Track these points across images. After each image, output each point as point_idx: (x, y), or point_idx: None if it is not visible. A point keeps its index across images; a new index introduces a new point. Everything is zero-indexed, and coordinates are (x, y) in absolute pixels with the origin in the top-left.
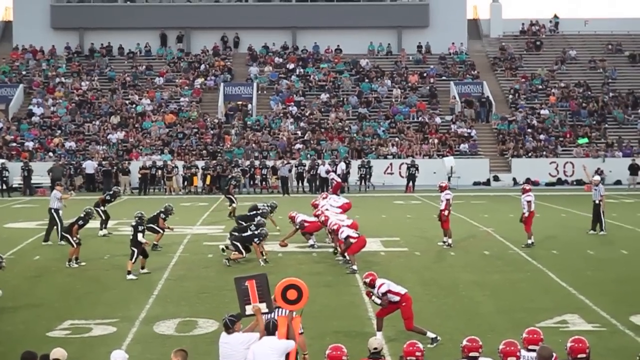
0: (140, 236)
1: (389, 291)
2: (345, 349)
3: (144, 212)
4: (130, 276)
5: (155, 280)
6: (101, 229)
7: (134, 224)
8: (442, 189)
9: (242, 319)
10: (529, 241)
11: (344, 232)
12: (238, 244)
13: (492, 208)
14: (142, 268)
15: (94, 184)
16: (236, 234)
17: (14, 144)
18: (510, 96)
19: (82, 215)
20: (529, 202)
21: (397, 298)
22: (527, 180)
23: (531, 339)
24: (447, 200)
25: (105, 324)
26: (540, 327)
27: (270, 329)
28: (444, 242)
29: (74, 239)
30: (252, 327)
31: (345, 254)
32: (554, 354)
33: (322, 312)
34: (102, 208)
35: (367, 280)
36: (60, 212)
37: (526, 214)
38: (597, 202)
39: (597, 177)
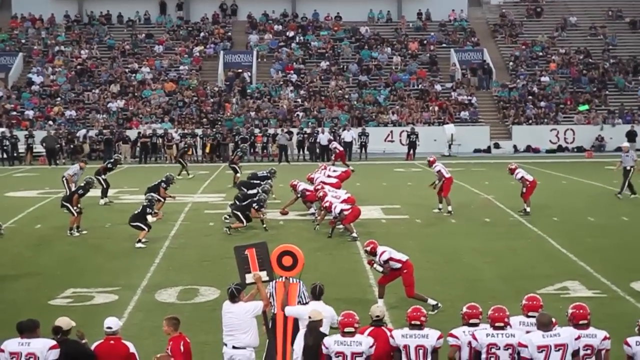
0: (149, 217)
1: (391, 259)
2: (357, 316)
3: (146, 181)
4: (140, 244)
5: (157, 249)
6: (102, 198)
7: (145, 203)
8: (430, 163)
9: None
10: (527, 209)
11: (337, 208)
12: (238, 213)
13: (492, 175)
14: (138, 241)
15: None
16: (237, 202)
17: (14, 113)
18: (511, 63)
19: (82, 184)
20: (521, 178)
21: (398, 265)
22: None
23: (531, 305)
24: (439, 171)
25: (107, 292)
26: (540, 293)
27: (316, 294)
28: (440, 209)
29: (75, 208)
30: (253, 295)
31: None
32: (554, 320)
33: (323, 279)
34: (103, 176)
35: (368, 248)
36: (72, 185)
37: (524, 190)
38: (628, 168)
39: (627, 144)
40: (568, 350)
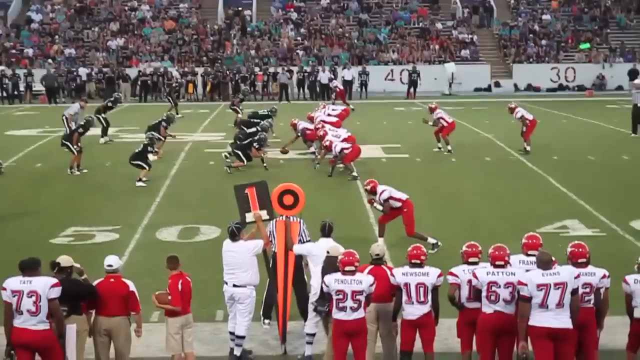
0: (150, 156)
1: (391, 197)
2: (357, 255)
3: (146, 119)
4: (140, 183)
5: (158, 188)
6: (102, 137)
7: (146, 142)
8: (431, 110)
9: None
10: (527, 147)
11: (337, 146)
12: (239, 151)
13: (493, 114)
14: (139, 180)
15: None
16: (238, 142)
17: (14, 51)
18: (512, 1)
19: (82, 123)
20: (521, 117)
21: (398, 204)
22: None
23: (530, 244)
24: (441, 117)
25: (108, 231)
26: (540, 232)
27: (326, 231)
28: (439, 148)
29: (75, 147)
30: (253, 235)
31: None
32: (553, 259)
33: (324, 218)
34: (103, 115)
35: (369, 187)
36: (72, 123)
37: (524, 129)
38: (638, 105)
39: (638, 80)
40: (567, 288)
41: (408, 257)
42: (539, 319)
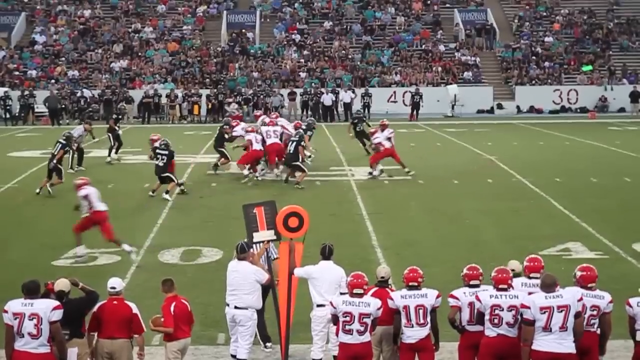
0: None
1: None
2: (366, 277)
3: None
4: (166, 195)
5: (160, 209)
6: (109, 155)
7: (166, 151)
8: (382, 127)
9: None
10: (373, 172)
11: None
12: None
13: (495, 136)
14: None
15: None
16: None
17: (17, 73)
18: (516, 22)
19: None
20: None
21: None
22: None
23: (532, 266)
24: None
25: (110, 253)
26: (543, 254)
27: (326, 254)
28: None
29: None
30: (259, 256)
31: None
32: (557, 282)
33: (326, 240)
34: (115, 132)
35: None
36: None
37: (373, 152)
38: None
39: None
40: (570, 311)
41: (405, 280)
42: (542, 343)
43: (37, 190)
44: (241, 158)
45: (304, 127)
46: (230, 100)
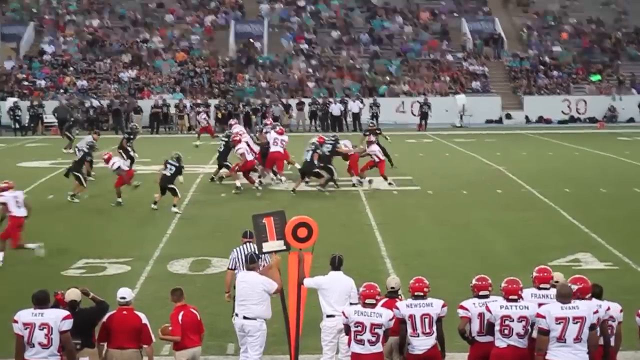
0: (180, 177)
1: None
2: (379, 288)
3: (157, 151)
4: (175, 209)
5: (169, 220)
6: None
7: (176, 164)
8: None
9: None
10: (361, 180)
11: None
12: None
13: (504, 146)
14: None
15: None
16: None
17: (26, 83)
18: (525, 31)
19: (86, 150)
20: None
21: None
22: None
23: (542, 277)
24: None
25: (120, 263)
26: (552, 265)
27: (336, 264)
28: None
29: (86, 176)
30: (266, 271)
31: None
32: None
33: (335, 251)
34: (129, 152)
35: None
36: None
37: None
38: None
39: None
40: (586, 323)
41: (411, 290)
42: (556, 353)
43: (70, 194)
44: (235, 167)
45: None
46: (200, 110)
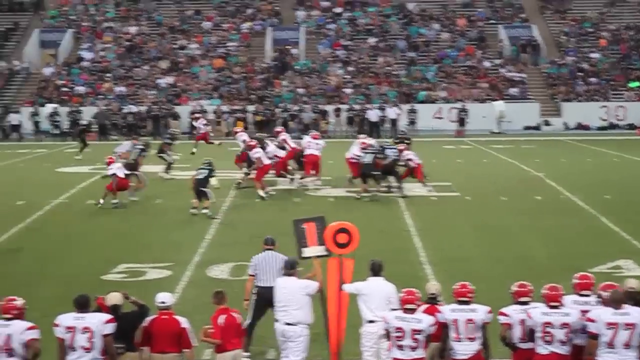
0: (213, 180)
1: None
2: (419, 293)
3: (196, 157)
4: (206, 211)
5: (208, 225)
6: (166, 172)
7: (208, 168)
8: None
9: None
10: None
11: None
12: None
13: (543, 153)
14: (206, 208)
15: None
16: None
17: (65, 89)
18: (563, 38)
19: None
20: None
21: None
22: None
23: (583, 284)
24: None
25: (160, 268)
26: (593, 272)
27: (375, 270)
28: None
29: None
30: (310, 277)
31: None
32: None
33: (374, 256)
34: (168, 153)
35: None
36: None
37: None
38: None
39: None
40: (636, 330)
41: (455, 295)
42: (606, 358)
43: (133, 198)
44: (256, 176)
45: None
46: (199, 115)
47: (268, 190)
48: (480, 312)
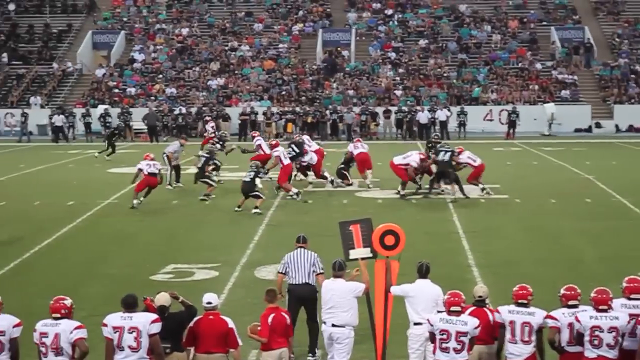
0: (258, 181)
1: None
2: (464, 296)
3: (245, 158)
4: (256, 210)
5: (256, 226)
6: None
7: (254, 170)
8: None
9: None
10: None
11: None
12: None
13: (593, 155)
14: (256, 207)
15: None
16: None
17: (117, 90)
18: (616, 40)
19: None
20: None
21: None
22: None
23: (633, 287)
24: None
25: (208, 269)
26: None
27: (423, 272)
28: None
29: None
30: (353, 277)
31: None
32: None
33: (422, 258)
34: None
35: None
36: (173, 161)
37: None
38: None
39: None
40: None
41: (514, 297)
42: None
43: (204, 197)
44: (279, 178)
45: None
46: (209, 118)
47: (291, 191)
48: (537, 316)
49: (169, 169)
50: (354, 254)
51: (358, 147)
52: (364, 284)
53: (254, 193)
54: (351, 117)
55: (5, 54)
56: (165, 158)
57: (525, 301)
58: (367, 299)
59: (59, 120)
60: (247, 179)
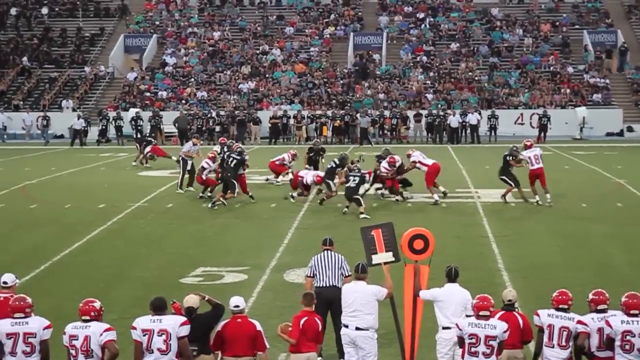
0: (362, 187)
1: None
2: (492, 300)
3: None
4: (364, 215)
5: (285, 229)
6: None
7: (359, 174)
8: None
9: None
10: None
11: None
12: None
13: (625, 159)
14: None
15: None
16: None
17: (148, 94)
18: None
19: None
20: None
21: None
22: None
23: None
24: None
25: (237, 272)
26: None
27: (452, 276)
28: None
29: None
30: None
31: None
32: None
33: (451, 262)
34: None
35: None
36: (189, 161)
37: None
38: None
39: None
40: None
41: (554, 302)
42: None
43: (219, 201)
44: (292, 184)
45: None
46: (217, 127)
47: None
48: (576, 321)
49: (182, 172)
50: (376, 259)
51: (425, 157)
52: (387, 289)
53: (356, 197)
54: (366, 121)
55: (25, 57)
56: (181, 159)
57: (565, 306)
58: (391, 302)
59: (78, 124)
60: (352, 185)
